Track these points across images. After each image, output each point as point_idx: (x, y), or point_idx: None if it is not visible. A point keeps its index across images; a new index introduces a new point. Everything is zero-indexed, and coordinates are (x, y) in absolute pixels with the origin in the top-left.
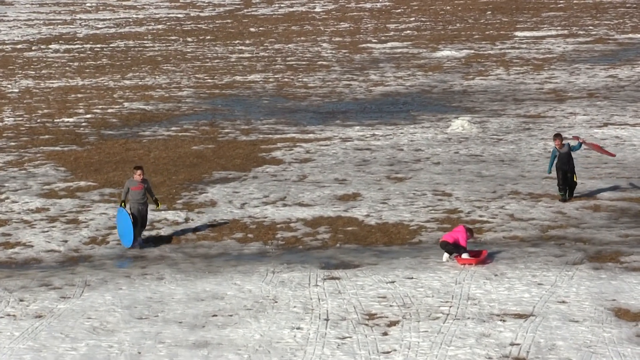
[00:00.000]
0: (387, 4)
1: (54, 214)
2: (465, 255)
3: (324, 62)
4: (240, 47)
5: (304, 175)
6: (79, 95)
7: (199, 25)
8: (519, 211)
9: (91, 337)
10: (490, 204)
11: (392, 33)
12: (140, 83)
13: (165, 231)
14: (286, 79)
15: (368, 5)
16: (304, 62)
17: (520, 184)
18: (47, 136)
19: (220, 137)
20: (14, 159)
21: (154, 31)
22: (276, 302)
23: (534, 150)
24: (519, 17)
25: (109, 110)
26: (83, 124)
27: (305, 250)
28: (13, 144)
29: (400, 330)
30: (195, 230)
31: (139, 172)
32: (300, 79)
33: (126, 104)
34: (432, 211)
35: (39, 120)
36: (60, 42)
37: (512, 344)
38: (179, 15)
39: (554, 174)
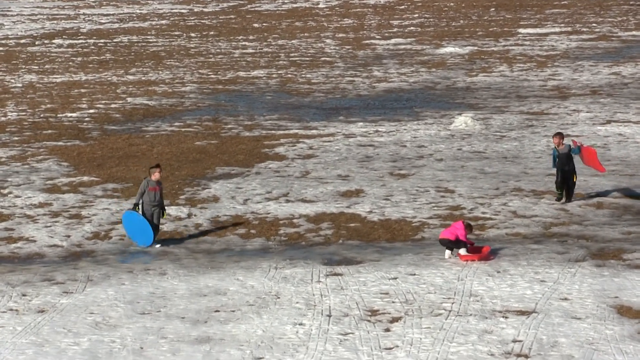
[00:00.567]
0: (391, 0)
1: (57, 209)
2: (463, 251)
3: (328, 58)
4: (243, 43)
5: (307, 172)
6: (82, 90)
7: (202, 21)
8: (522, 208)
9: (94, 332)
10: (493, 200)
11: (395, 29)
12: (143, 78)
13: (167, 226)
14: (289, 75)
15: (372, 2)
16: (308, 58)
17: (523, 181)
18: (50, 131)
19: (223, 132)
20: (17, 153)
21: (158, 26)
22: (279, 298)
23: (537, 147)
24: (523, 14)
25: (112, 106)
26: (86, 119)
27: (307, 247)
28: (16, 138)
29: (403, 326)
30: (198, 225)
31: (157, 170)
32: (303, 75)
33: (129, 99)
34: (435, 208)
35: (42, 115)
36: (63, 37)
37: (514, 341)
38: (182, 11)
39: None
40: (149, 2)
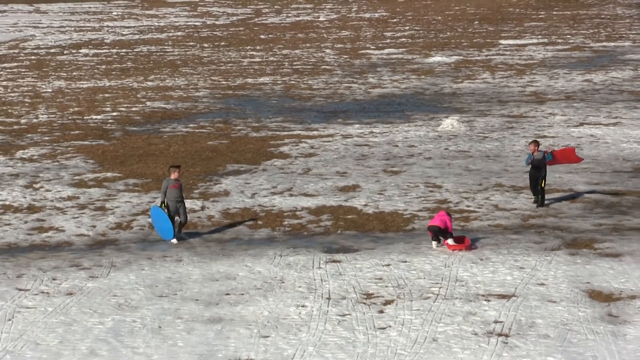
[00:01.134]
0: (384, 14)
1: (84, 201)
2: (451, 241)
3: (327, 67)
4: (251, 53)
5: (309, 169)
6: (106, 95)
7: (214, 33)
8: (503, 202)
9: (117, 313)
10: (477, 195)
11: (388, 40)
12: (161, 84)
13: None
14: (293, 82)
15: (367, 15)
16: (309, 66)
17: (504, 178)
18: (77, 132)
19: (233, 133)
20: (48, 152)
21: (174, 37)
22: (283, 282)
23: (516, 147)
24: (504, 27)
25: (133, 109)
26: (110, 121)
27: (309, 236)
28: (47, 138)
29: (395, 308)
30: (210, 217)
31: (177, 170)
32: (305, 82)
33: (148, 103)
34: (424, 201)
35: (70, 118)
36: (89, 47)
37: (495, 322)
38: (196, 24)
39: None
40: (166, 15)
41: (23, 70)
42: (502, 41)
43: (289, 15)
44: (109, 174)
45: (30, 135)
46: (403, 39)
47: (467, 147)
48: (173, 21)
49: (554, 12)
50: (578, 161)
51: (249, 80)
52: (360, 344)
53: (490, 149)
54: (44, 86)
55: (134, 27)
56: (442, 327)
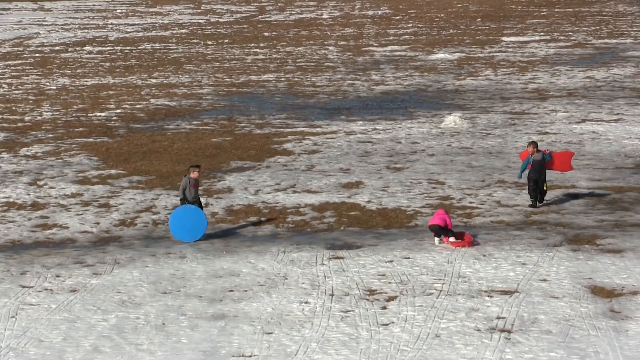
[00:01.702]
0: (387, 11)
1: (88, 198)
2: (452, 238)
3: (330, 64)
4: (255, 50)
5: (312, 165)
6: (110, 92)
7: (218, 30)
8: (505, 198)
9: (120, 310)
10: (479, 191)
11: (391, 37)
12: (165, 82)
13: None
14: (296, 79)
15: (370, 13)
16: (312, 64)
17: (506, 174)
18: (81, 129)
19: (237, 130)
20: (52, 149)
21: (178, 35)
22: (286, 278)
23: (519, 143)
24: (506, 24)
25: (137, 106)
26: (114, 118)
27: (312, 233)
28: (51, 135)
29: (398, 304)
30: (214, 213)
31: (197, 170)
32: (309, 79)
33: (152, 100)
34: (427, 198)
35: (74, 115)
36: (93, 44)
37: (498, 318)
38: (200, 21)
39: (524, 179)
40: (170, 13)
41: (27, 67)
42: (505, 38)
43: (293, 12)
44: (112, 171)
45: (34, 132)
46: (406, 36)
47: (470, 144)
48: (177, 19)
49: (556, 10)
50: (569, 169)
51: (253, 77)
52: (363, 340)
53: (492, 146)
54: (48, 83)
55: (138, 24)
56: (445, 323)
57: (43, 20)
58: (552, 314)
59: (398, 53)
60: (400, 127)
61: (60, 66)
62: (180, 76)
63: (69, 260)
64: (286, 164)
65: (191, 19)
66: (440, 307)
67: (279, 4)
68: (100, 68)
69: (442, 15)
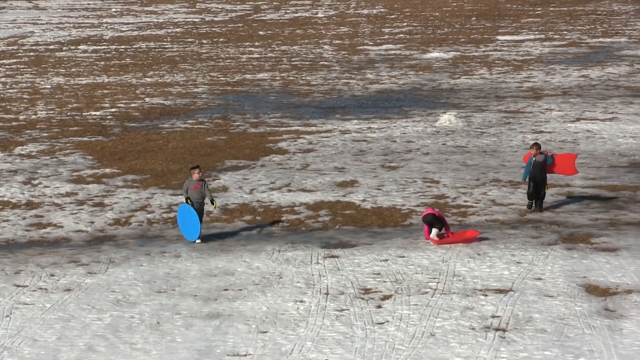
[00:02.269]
0: (382, 10)
1: (82, 197)
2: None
3: (325, 63)
4: (250, 49)
5: (307, 164)
6: (105, 91)
7: (213, 29)
8: (500, 197)
9: (115, 309)
10: (474, 190)
11: (386, 36)
12: (160, 80)
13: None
14: (291, 78)
15: (365, 12)
16: (307, 62)
17: (501, 173)
18: (76, 128)
19: (232, 129)
20: (47, 148)
21: (173, 34)
22: (281, 277)
23: (513, 142)
24: (501, 23)
25: (132, 105)
26: (108, 117)
27: (307, 232)
28: (45, 134)
29: (393, 303)
30: (208, 212)
31: (196, 171)
32: (304, 78)
33: (147, 99)
34: (422, 197)
35: (68, 114)
36: (88, 43)
37: (493, 316)
38: (195, 20)
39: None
40: (165, 12)
41: (22, 66)
42: (499, 37)
43: (288, 11)
44: (107, 170)
45: (28, 131)
46: (401, 35)
47: (465, 143)
48: (172, 17)
49: (551, 8)
50: (573, 173)
51: (248, 76)
52: (358, 339)
53: (487, 144)
54: (42, 82)
55: (132, 23)
56: (439, 322)
57: (38, 19)
58: (546, 313)
59: (393, 52)
60: (395, 126)
61: (55, 65)
62: (175, 75)
63: (63, 260)
64: (281, 163)
65: (186, 18)
66: (435, 305)
67: (274, 3)
68: (95, 67)
69: (437, 14)
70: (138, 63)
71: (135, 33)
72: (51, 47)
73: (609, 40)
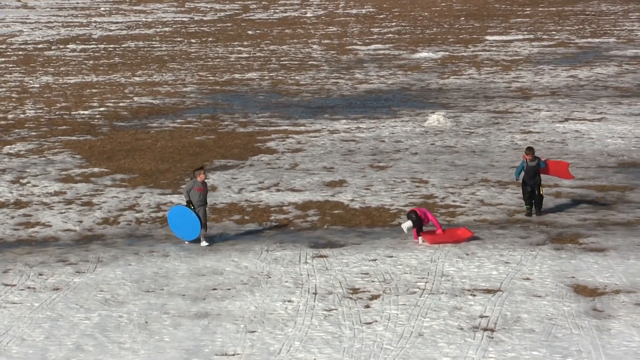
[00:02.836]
0: (371, 10)
1: (71, 197)
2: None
3: (314, 62)
4: (239, 48)
5: (296, 164)
6: (94, 91)
7: (202, 28)
8: (489, 197)
9: (103, 308)
10: (463, 190)
11: (375, 36)
12: (148, 80)
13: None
14: (280, 77)
15: (354, 12)
16: (296, 62)
17: (489, 173)
18: (64, 127)
19: (221, 128)
20: (35, 147)
21: (162, 33)
22: (270, 277)
23: (502, 142)
24: (490, 23)
25: (121, 104)
26: (97, 116)
27: (296, 231)
28: (34, 133)
29: (381, 303)
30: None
31: (202, 172)
32: (292, 77)
33: (136, 99)
34: (411, 196)
35: (57, 113)
36: (77, 42)
37: (481, 316)
38: (184, 19)
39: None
40: (154, 11)
41: (10, 65)
42: (488, 37)
43: (277, 11)
44: (96, 169)
45: (17, 130)
46: (390, 35)
47: (453, 143)
48: (161, 17)
49: (540, 9)
50: (568, 178)
51: (237, 75)
52: (346, 339)
53: (476, 145)
54: (31, 81)
55: (121, 22)
56: (428, 322)
57: (26, 18)
58: (535, 313)
59: (382, 52)
60: (383, 126)
61: (43, 64)
62: (164, 74)
63: (51, 259)
64: (270, 163)
65: (175, 17)
66: (424, 305)
67: (262, 3)
68: (83, 66)
69: (426, 14)
70: (127, 62)
71: (124, 32)
72: (40, 46)
73: (597, 40)
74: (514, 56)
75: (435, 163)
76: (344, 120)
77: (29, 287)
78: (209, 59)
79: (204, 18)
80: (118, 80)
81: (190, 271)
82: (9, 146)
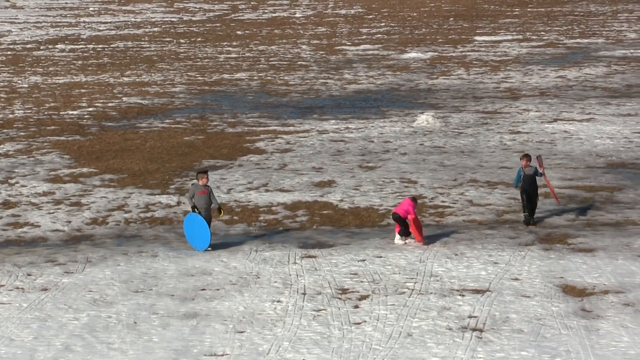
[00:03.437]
0: (360, 10)
1: (59, 197)
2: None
3: (303, 62)
4: (227, 48)
5: (285, 164)
6: (83, 91)
7: (191, 28)
8: (477, 197)
9: (92, 308)
10: (452, 190)
11: (364, 37)
12: (137, 80)
13: (159, 213)
14: (269, 77)
15: (343, 12)
16: (285, 62)
17: (478, 173)
18: (53, 127)
19: (209, 129)
20: (24, 147)
21: (151, 33)
22: (259, 277)
23: (491, 142)
24: (479, 23)
25: (109, 104)
26: (86, 116)
27: (285, 231)
28: (23, 133)
29: (370, 303)
30: (186, 212)
31: (205, 176)
32: (281, 77)
33: (125, 99)
34: (400, 197)
35: (46, 113)
36: (65, 42)
37: (470, 317)
38: (173, 19)
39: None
40: (142, 11)
41: None
42: (477, 37)
43: (266, 11)
44: (84, 170)
45: (5, 130)
46: (379, 35)
47: (442, 143)
48: (150, 17)
49: (529, 9)
50: (557, 201)
51: (226, 76)
52: (335, 339)
53: (465, 145)
54: (20, 81)
55: (110, 22)
56: (416, 322)
57: (15, 18)
58: (523, 313)
59: (371, 52)
60: (372, 126)
61: (32, 64)
62: (153, 74)
63: (40, 259)
64: (259, 163)
65: (164, 17)
66: (412, 306)
67: (251, 3)
68: (72, 66)
69: (415, 14)
70: (116, 62)
71: (113, 32)
72: (28, 46)
73: (586, 41)
74: (503, 56)
75: (424, 163)
76: (333, 121)
77: (18, 288)
78: (198, 59)
79: (193, 18)
80: (107, 80)
81: (179, 271)
82: None
